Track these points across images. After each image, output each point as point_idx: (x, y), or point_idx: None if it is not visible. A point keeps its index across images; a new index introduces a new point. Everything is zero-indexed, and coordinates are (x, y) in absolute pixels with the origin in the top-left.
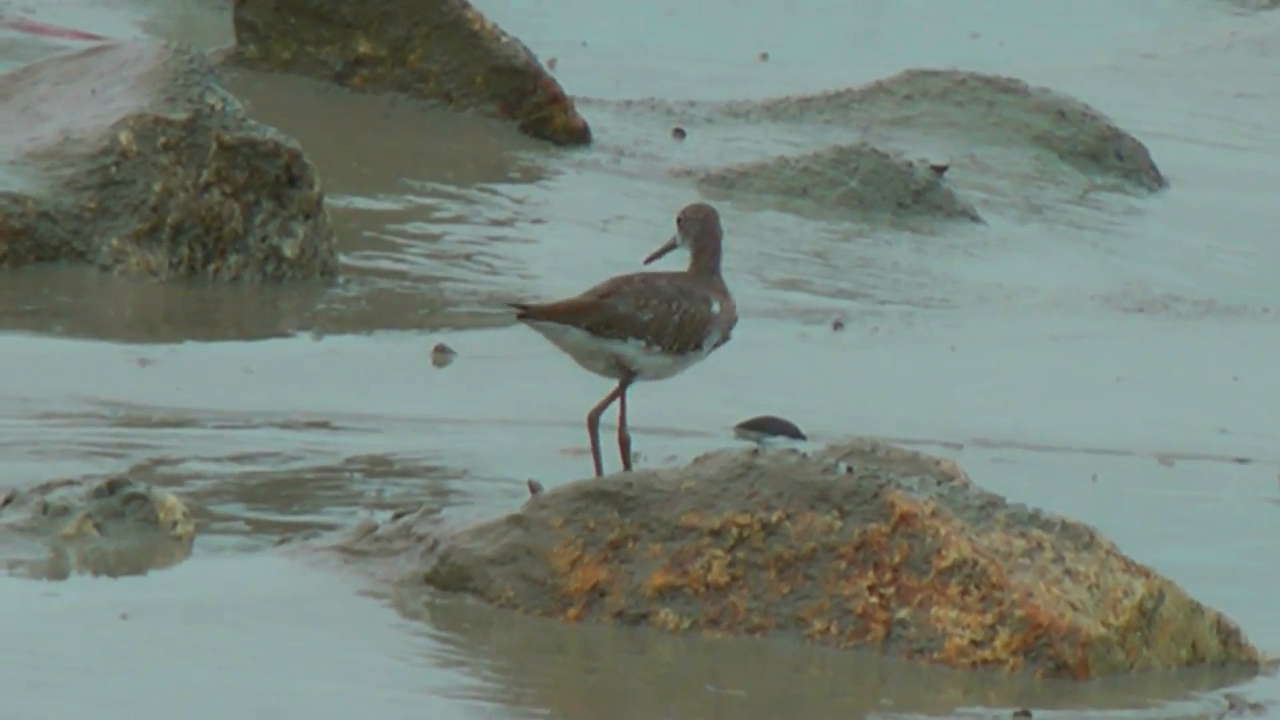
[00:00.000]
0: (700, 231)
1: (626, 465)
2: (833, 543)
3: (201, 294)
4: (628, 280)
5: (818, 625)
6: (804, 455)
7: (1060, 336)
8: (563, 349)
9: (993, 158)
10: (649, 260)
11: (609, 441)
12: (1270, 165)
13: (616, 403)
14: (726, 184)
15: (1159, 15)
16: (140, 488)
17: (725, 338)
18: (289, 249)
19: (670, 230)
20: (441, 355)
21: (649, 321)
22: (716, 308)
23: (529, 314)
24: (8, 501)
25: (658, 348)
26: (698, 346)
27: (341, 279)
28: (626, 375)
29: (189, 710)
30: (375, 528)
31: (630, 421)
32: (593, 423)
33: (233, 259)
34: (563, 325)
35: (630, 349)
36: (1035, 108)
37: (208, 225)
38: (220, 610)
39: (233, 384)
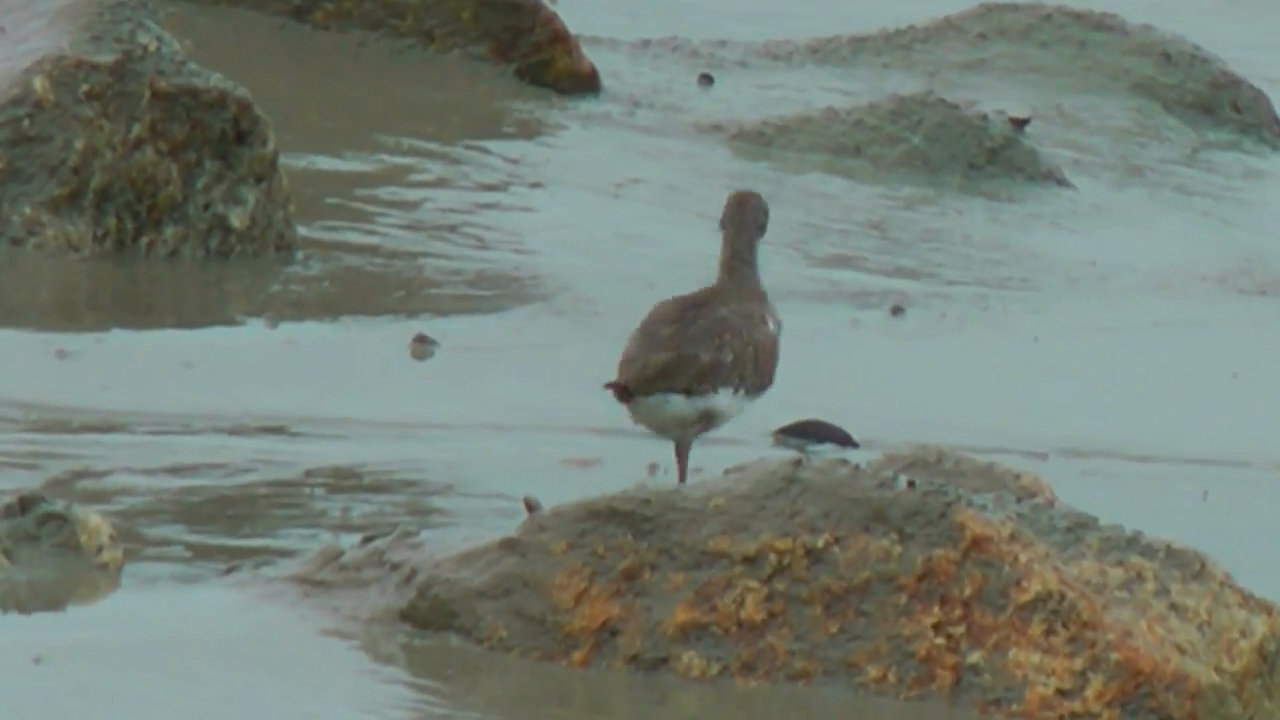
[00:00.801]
0: (736, 218)
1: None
2: (891, 572)
3: (132, 272)
4: (682, 311)
5: (873, 672)
6: (856, 466)
7: (1165, 324)
8: (650, 425)
9: (1084, 109)
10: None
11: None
12: None
13: None
14: (764, 141)
15: None
16: (58, 506)
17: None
18: (237, 219)
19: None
20: (421, 346)
21: (733, 364)
22: (773, 326)
23: (634, 390)
24: None
25: (743, 392)
26: (771, 382)
27: (300, 254)
28: (704, 430)
29: None
30: (341, 554)
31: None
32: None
33: (169, 231)
34: (664, 395)
35: (723, 401)
36: (1135, 49)
37: (140, 190)
38: (155, 653)
39: (170, 381)
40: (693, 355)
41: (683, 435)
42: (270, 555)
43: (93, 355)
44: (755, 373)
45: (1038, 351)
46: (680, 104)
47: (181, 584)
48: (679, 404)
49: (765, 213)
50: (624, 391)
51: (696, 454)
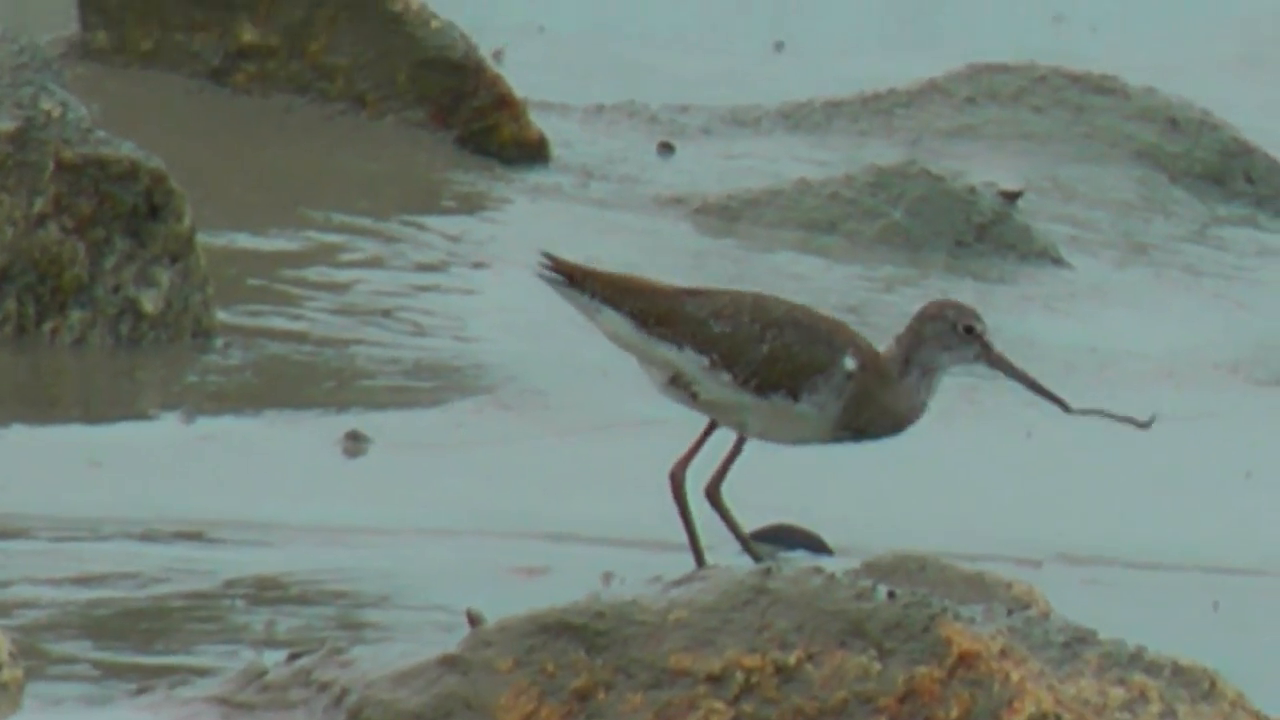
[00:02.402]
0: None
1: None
2: (870, 691)
3: (35, 361)
4: (739, 293)
5: None
6: (831, 575)
7: (1172, 417)
8: (609, 338)
9: (1082, 180)
10: None
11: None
12: None
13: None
14: (729, 215)
15: None
16: None
17: (868, 424)
18: (150, 302)
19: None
20: (353, 443)
21: (720, 336)
22: (851, 364)
23: (556, 269)
24: None
25: (725, 374)
26: (791, 394)
27: (220, 342)
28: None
29: None
30: (265, 672)
31: (598, 529)
32: (712, 497)
33: (75, 315)
34: (596, 301)
35: (686, 361)
36: (1138, 114)
37: (43, 271)
38: None
39: (76, 481)
40: (678, 297)
41: (658, 381)
42: (187, 674)
43: None
44: (759, 369)
45: (1032, 447)
46: (638, 175)
47: (89, 706)
48: (616, 321)
49: (951, 326)
50: (551, 264)
51: (656, 560)
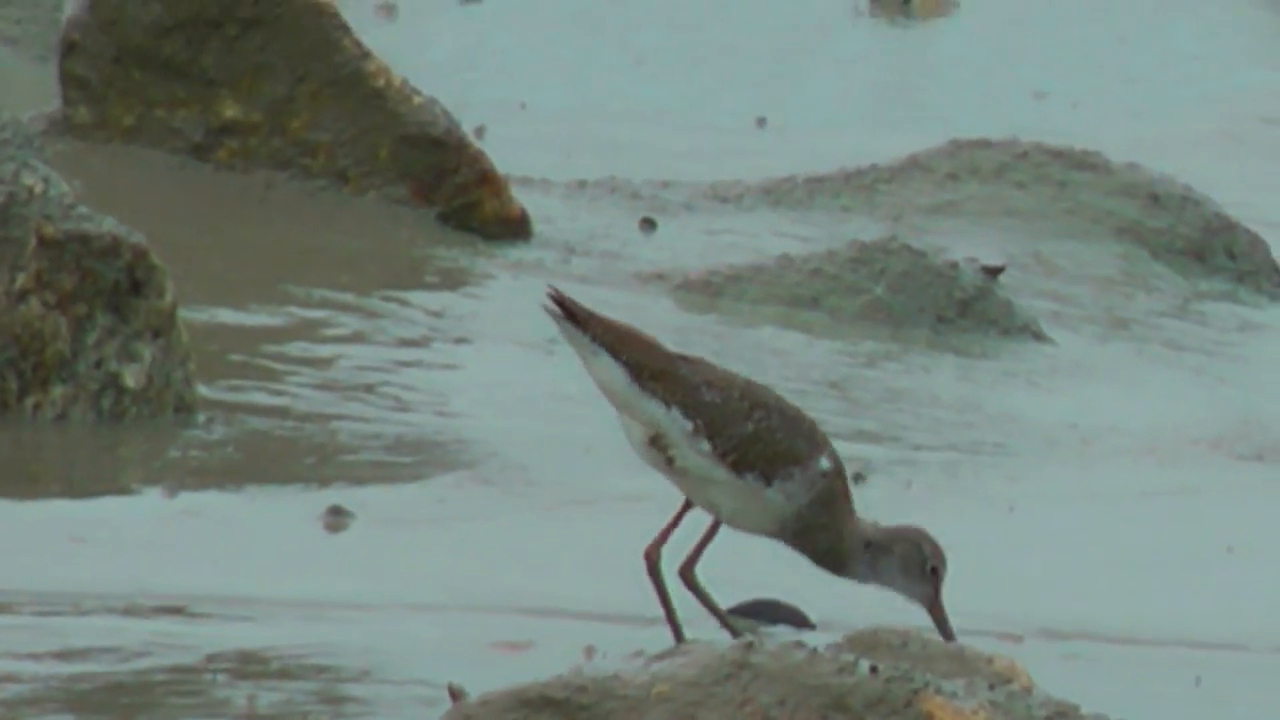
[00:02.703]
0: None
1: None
2: None
3: (16, 437)
4: (731, 374)
5: None
6: (814, 650)
7: (1154, 493)
8: (598, 385)
9: (1064, 256)
10: None
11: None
12: None
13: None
14: (712, 291)
15: None
16: None
17: (819, 532)
18: (132, 377)
19: None
20: (336, 518)
21: (708, 404)
22: (826, 464)
23: (562, 308)
24: None
25: (706, 444)
26: (765, 477)
27: (202, 417)
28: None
29: None
30: None
31: (580, 604)
32: (686, 577)
33: (58, 390)
34: (596, 345)
35: (671, 422)
36: (1120, 189)
37: (24, 346)
38: None
39: (58, 556)
40: (674, 359)
41: (635, 438)
42: None
43: None
44: (740, 445)
45: (1013, 522)
46: (620, 251)
47: None
48: (610, 368)
49: (922, 561)
50: (556, 296)
51: (638, 635)
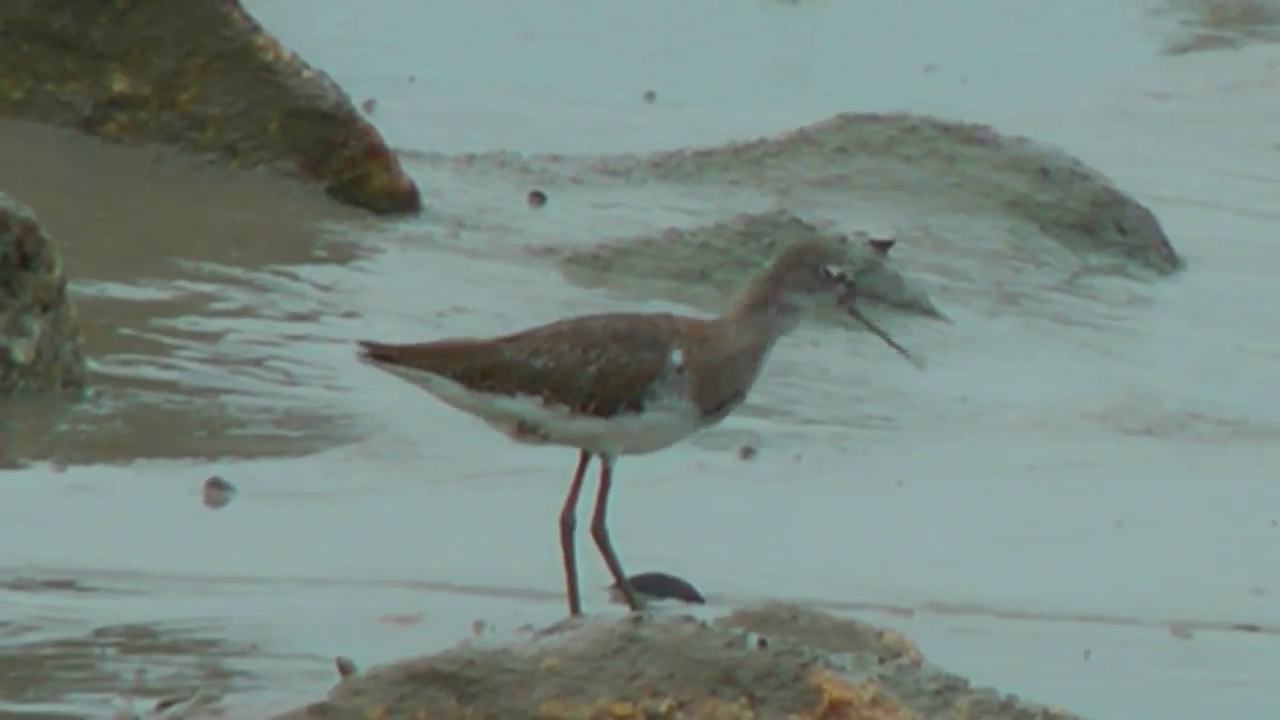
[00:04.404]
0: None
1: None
2: None
3: None
4: (558, 324)
5: None
6: (703, 624)
7: (1043, 467)
8: (446, 404)
9: (953, 230)
10: None
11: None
12: None
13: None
14: (601, 265)
15: (1174, 42)
16: None
17: (718, 400)
18: (21, 352)
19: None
20: (216, 492)
21: (544, 371)
22: (678, 357)
23: (376, 353)
24: None
25: (563, 406)
26: (634, 406)
27: (90, 391)
28: (583, 451)
29: None
30: None
31: (470, 578)
32: (597, 534)
33: None
34: (423, 372)
35: (522, 407)
36: (1009, 164)
37: None
38: None
39: None
40: (493, 349)
41: (506, 431)
42: None
43: None
44: (594, 392)
45: (902, 497)
46: (509, 224)
47: None
48: (447, 387)
49: (813, 269)
50: (368, 350)
51: (527, 609)
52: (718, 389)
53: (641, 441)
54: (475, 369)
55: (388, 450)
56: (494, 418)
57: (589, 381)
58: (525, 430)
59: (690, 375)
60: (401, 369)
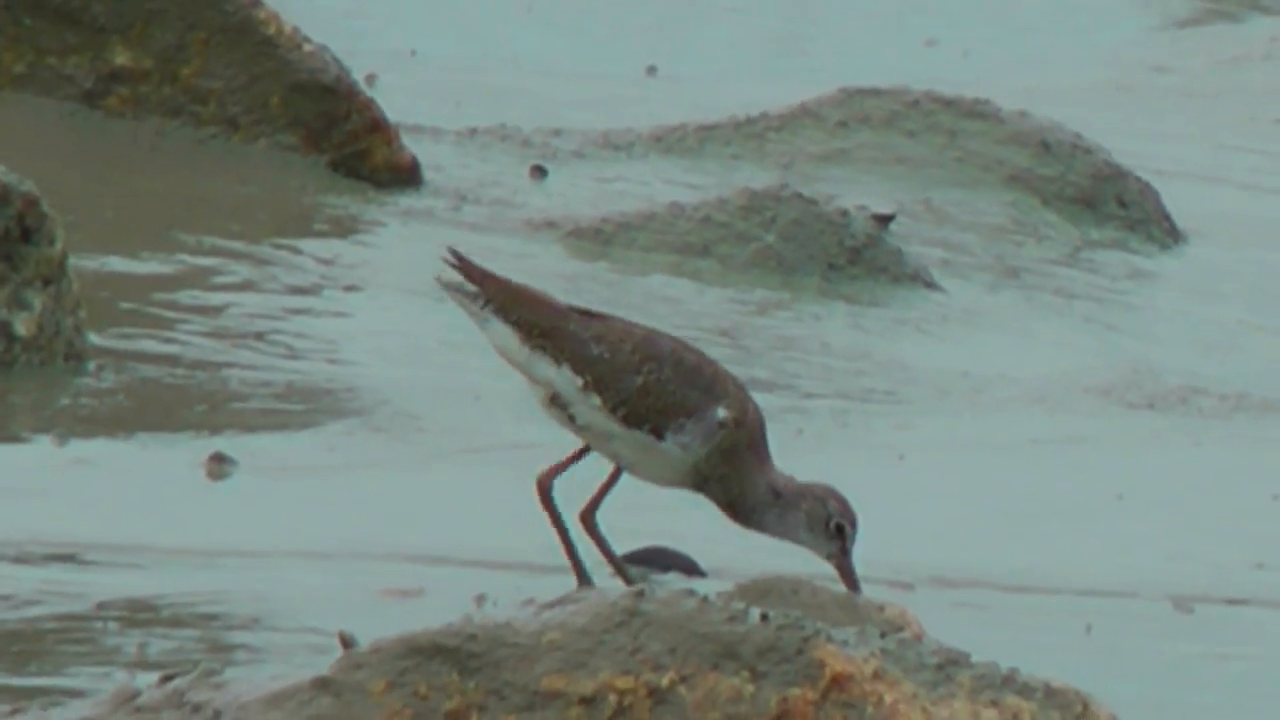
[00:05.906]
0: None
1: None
2: (743, 714)
3: None
4: (630, 326)
5: None
6: (704, 598)
7: (1044, 441)
8: (494, 349)
9: (954, 204)
10: None
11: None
12: None
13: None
14: (602, 239)
15: (1175, 16)
16: None
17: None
18: (22, 326)
19: None
20: (217, 465)
21: (596, 359)
22: (723, 415)
23: (461, 267)
24: None
25: (596, 398)
26: (657, 430)
27: (92, 365)
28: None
29: None
30: (137, 694)
31: (472, 552)
32: (586, 522)
33: None
34: (484, 305)
35: (562, 380)
36: (1010, 138)
37: None
38: None
39: None
40: (565, 313)
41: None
42: (58, 696)
43: None
44: (630, 400)
45: (904, 471)
46: (510, 198)
47: None
48: (501, 330)
49: (826, 518)
50: (455, 259)
51: (529, 584)
52: (723, 472)
53: (647, 466)
54: (537, 325)
55: (390, 424)
56: (534, 379)
57: (631, 389)
58: (556, 404)
59: (721, 439)
60: (469, 300)
